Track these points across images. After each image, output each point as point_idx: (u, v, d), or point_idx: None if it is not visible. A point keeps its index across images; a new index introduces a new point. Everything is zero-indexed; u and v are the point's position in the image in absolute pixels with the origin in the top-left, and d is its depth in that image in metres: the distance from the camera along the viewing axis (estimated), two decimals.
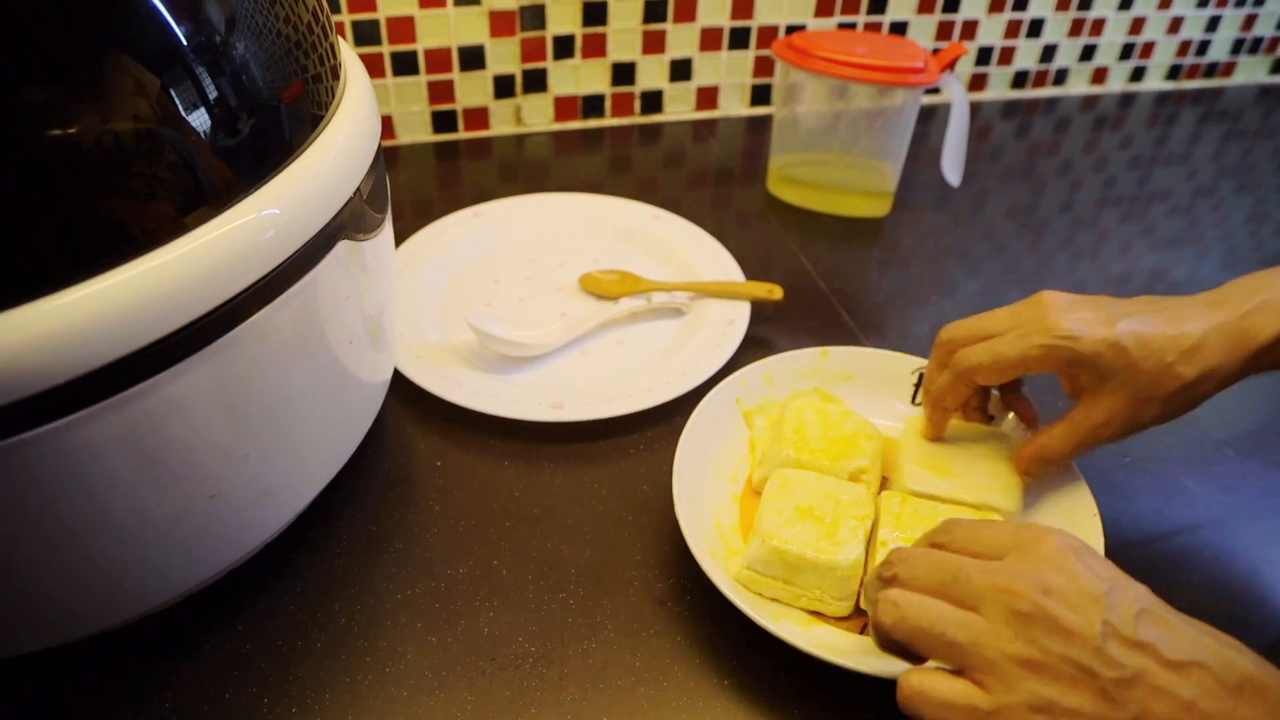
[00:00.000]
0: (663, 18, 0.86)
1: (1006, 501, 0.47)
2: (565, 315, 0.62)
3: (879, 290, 0.69)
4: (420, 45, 0.80)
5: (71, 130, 0.31)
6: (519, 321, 0.59)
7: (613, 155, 0.87)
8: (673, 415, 0.54)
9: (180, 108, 0.34)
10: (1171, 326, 0.42)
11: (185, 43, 0.34)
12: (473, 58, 0.82)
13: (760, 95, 0.95)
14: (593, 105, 0.89)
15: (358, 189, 0.42)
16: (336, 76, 0.44)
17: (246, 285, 0.35)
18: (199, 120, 0.34)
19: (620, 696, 0.41)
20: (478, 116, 0.86)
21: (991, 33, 0.98)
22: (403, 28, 0.79)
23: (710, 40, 0.89)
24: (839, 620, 0.44)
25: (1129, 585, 0.32)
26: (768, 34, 0.90)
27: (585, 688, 0.41)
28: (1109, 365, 0.43)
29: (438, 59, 0.82)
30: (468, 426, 0.54)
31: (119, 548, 0.36)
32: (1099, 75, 1.06)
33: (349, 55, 0.47)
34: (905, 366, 0.55)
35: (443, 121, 0.86)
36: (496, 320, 0.57)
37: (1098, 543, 0.44)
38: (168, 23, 0.34)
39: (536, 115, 0.88)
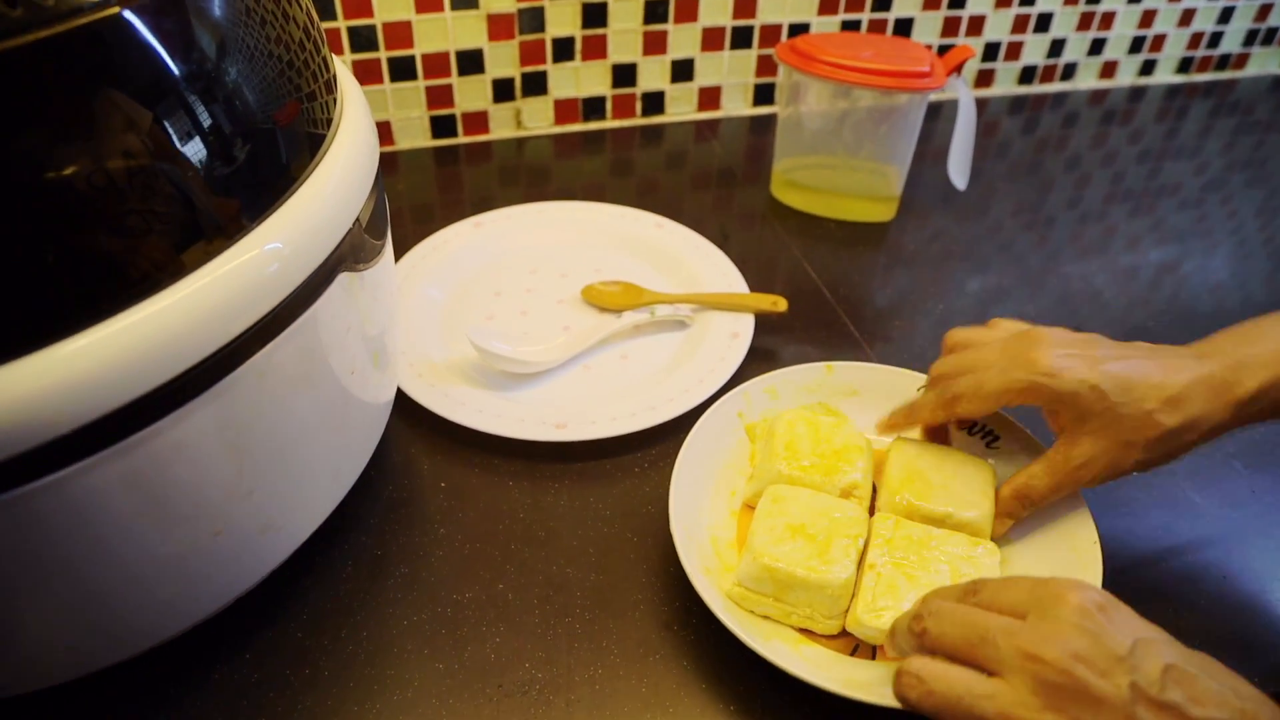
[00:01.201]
0: (664, 18, 0.85)
1: (985, 526, 0.47)
2: (568, 328, 0.61)
3: (885, 297, 0.69)
4: (418, 50, 0.80)
5: (70, 172, 0.30)
6: (521, 335, 0.58)
7: (614, 157, 0.86)
8: (677, 431, 0.53)
9: (175, 142, 0.33)
10: (1157, 374, 0.43)
11: (178, 74, 0.33)
12: (471, 61, 0.82)
13: (763, 94, 0.94)
14: (594, 107, 0.88)
15: (357, 219, 0.42)
16: (332, 91, 0.43)
17: (248, 325, 0.35)
18: (195, 154, 0.34)
19: None
20: (477, 121, 0.86)
21: (999, 28, 0.97)
22: (400, 33, 0.78)
23: (712, 40, 0.88)
24: (829, 639, 0.44)
25: (1152, 640, 0.32)
26: (770, 33, 0.89)
27: (592, 714, 0.41)
28: (1087, 406, 0.43)
29: (436, 63, 0.81)
30: (471, 445, 0.53)
31: (126, 587, 0.36)
32: (1108, 69, 1.05)
33: (342, 70, 0.47)
34: (912, 383, 0.55)
35: (442, 126, 0.85)
36: (499, 335, 0.56)
37: (1095, 570, 0.44)
38: (159, 55, 0.33)
39: (537, 118, 0.87)
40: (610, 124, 0.90)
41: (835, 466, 0.48)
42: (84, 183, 0.31)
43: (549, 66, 0.84)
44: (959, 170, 0.77)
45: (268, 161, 0.38)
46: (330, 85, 0.43)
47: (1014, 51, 1.00)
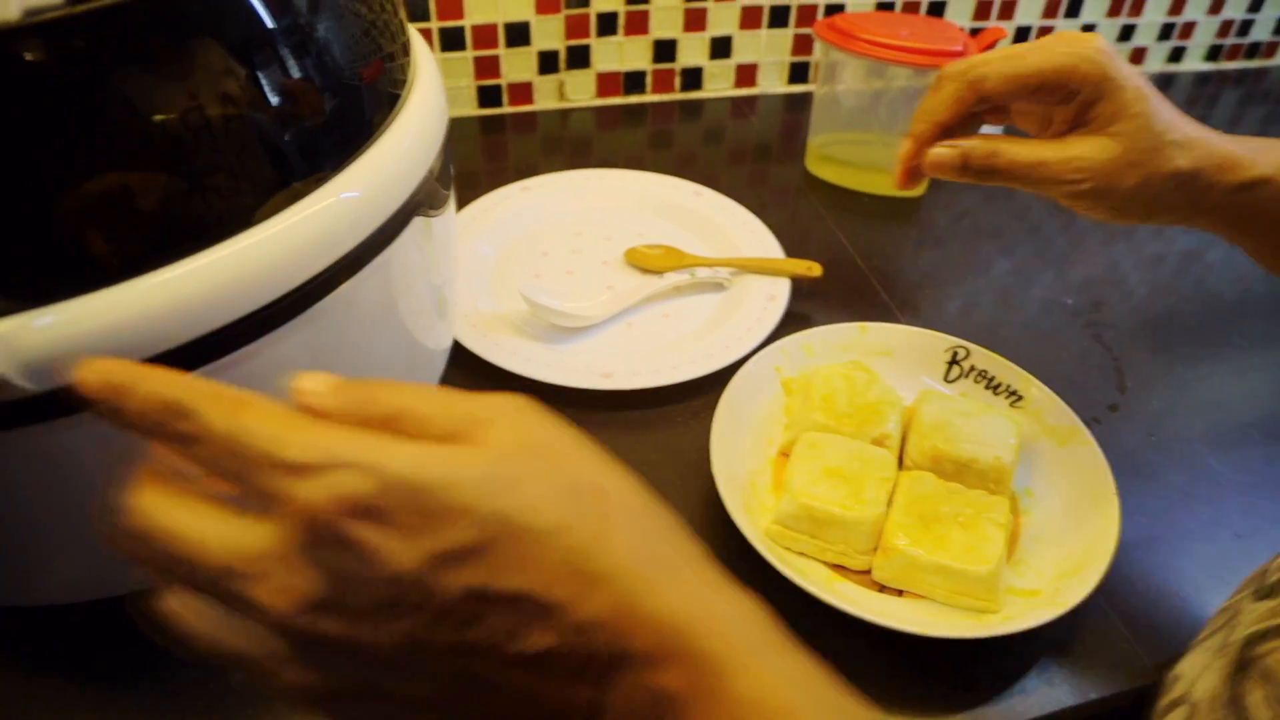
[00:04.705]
0: None
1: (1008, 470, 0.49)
2: (612, 288, 0.64)
3: (915, 269, 0.71)
4: (468, 21, 0.82)
5: (178, 115, 0.33)
6: (568, 293, 0.61)
7: (654, 131, 0.89)
8: (716, 386, 0.56)
9: (280, 91, 0.36)
10: (1177, 114, 0.42)
11: (278, 26, 0.36)
12: (518, 34, 0.84)
13: (799, 73, 0.96)
14: (634, 81, 0.91)
15: (430, 168, 0.45)
16: (407, 53, 0.46)
17: (334, 260, 0.38)
18: (295, 104, 0.37)
19: None
20: (522, 91, 0.88)
21: (1030, 12, 0.99)
22: (451, 4, 0.81)
23: (750, 18, 0.90)
24: (859, 574, 0.47)
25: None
26: (807, 12, 0.91)
27: None
28: (1124, 104, 0.40)
29: (484, 35, 0.84)
30: (516, 391, 0.56)
31: None
32: (1136, 56, 1.06)
33: (415, 34, 0.50)
34: (940, 344, 0.58)
35: (488, 96, 0.88)
36: (547, 292, 0.59)
37: (1113, 526, 0.45)
38: (263, 12, 0.36)
39: (580, 91, 0.90)
40: (650, 98, 0.92)
41: (868, 419, 0.51)
42: (191, 125, 0.34)
43: (593, 40, 0.87)
44: None
45: (354, 114, 0.41)
46: (406, 48, 0.46)
47: (1044, 36, 1.01)
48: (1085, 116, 0.41)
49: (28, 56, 0.30)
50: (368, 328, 0.42)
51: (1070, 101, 0.42)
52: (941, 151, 0.43)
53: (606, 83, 0.90)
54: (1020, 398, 0.55)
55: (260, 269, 0.35)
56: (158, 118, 0.33)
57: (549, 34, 0.85)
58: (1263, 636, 0.32)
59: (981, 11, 0.97)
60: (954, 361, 0.57)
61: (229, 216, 0.35)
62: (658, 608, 0.23)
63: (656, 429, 0.55)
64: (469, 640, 0.22)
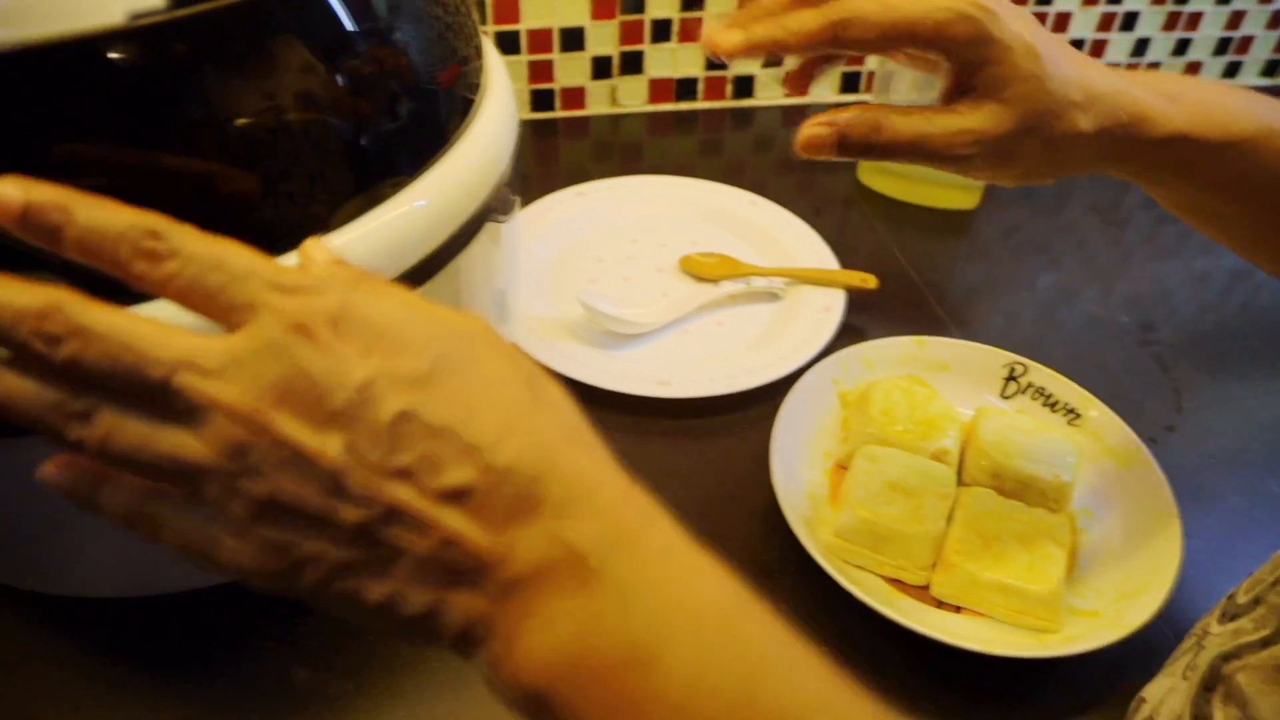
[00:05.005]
0: None
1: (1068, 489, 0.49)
2: (667, 295, 0.65)
3: (968, 283, 0.71)
4: (523, 26, 0.83)
5: (268, 116, 0.34)
6: (623, 299, 0.62)
7: (704, 138, 0.89)
8: (772, 396, 0.56)
9: (362, 95, 0.37)
10: (1085, 69, 0.37)
11: (362, 30, 0.37)
12: (573, 39, 0.85)
13: (850, 83, 0.96)
14: (686, 88, 0.91)
15: (502, 174, 0.45)
16: (480, 57, 0.47)
17: (408, 267, 0.39)
18: (377, 106, 0.38)
19: None
20: (574, 96, 0.89)
21: (1084, 25, 0.98)
22: (508, 8, 0.82)
23: None
24: (917, 589, 0.47)
25: (393, 373, 0.23)
26: None
27: None
28: (1014, 67, 0.35)
29: (539, 39, 0.84)
30: (573, 398, 0.57)
31: None
32: (1191, 70, 1.05)
33: (484, 38, 0.50)
34: (997, 360, 0.57)
35: (541, 100, 0.88)
36: (604, 297, 0.60)
37: (1175, 547, 0.45)
38: (345, 19, 0.37)
39: (632, 96, 0.90)
40: (702, 105, 0.93)
41: (927, 433, 0.51)
42: (275, 128, 0.34)
43: (646, 46, 0.87)
44: None
45: (432, 119, 0.42)
46: (479, 51, 0.47)
47: (1097, 49, 1.01)
48: (973, 80, 0.36)
49: (131, 58, 0.31)
50: None
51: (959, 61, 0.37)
52: (816, 131, 0.38)
53: (659, 89, 0.91)
54: (1078, 416, 0.55)
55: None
56: (245, 120, 0.34)
57: (603, 39, 0.86)
58: (1229, 656, 0.31)
59: None
60: (1011, 378, 0.57)
61: (308, 219, 0.36)
62: (573, 465, 0.25)
63: (713, 438, 0.55)
64: (400, 464, 0.23)
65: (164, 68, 0.32)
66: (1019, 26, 0.35)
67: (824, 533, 0.48)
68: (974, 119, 0.36)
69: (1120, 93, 0.37)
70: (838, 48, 0.37)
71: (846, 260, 0.69)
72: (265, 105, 0.34)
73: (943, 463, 0.50)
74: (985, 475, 0.50)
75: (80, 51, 0.30)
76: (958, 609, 0.46)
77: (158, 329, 0.23)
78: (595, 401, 0.56)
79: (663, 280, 0.66)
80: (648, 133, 0.89)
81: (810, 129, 0.38)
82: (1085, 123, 0.36)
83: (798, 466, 0.51)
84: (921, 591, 0.47)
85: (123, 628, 0.44)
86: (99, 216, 0.23)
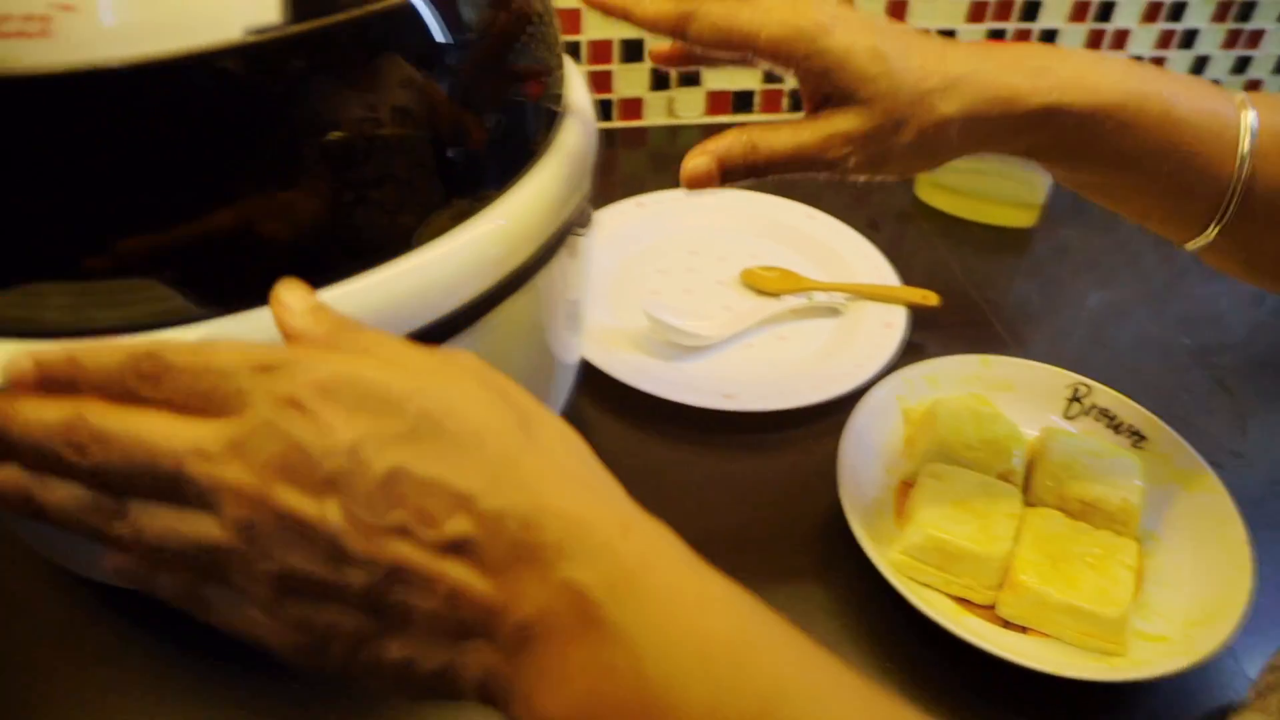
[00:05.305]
0: None
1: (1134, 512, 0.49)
2: (729, 309, 0.65)
3: (1026, 300, 0.71)
4: (584, 37, 0.84)
5: (370, 129, 0.35)
6: (686, 311, 0.62)
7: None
8: (835, 412, 0.57)
9: (460, 110, 0.38)
10: (941, 52, 0.37)
11: (460, 42, 0.38)
12: (633, 50, 0.86)
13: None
14: (743, 101, 0.92)
15: (585, 188, 0.46)
16: (562, 67, 0.48)
17: (498, 280, 0.39)
18: (470, 120, 0.38)
19: None
20: (632, 107, 0.90)
21: (1143, 43, 0.97)
22: (571, 20, 0.83)
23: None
24: (983, 608, 0.47)
25: (381, 433, 0.24)
26: None
27: None
28: (860, 70, 0.36)
29: (600, 50, 0.85)
30: (636, 410, 0.57)
31: None
32: (1251, 88, 1.04)
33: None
34: (1061, 381, 0.57)
35: (599, 110, 0.89)
36: (668, 309, 0.60)
37: (1246, 572, 0.45)
38: (443, 37, 0.37)
39: (689, 108, 0.91)
40: (758, 118, 0.93)
41: (994, 453, 0.51)
42: (376, 140, 0.35)
43: None
44: None
45: (520, 131, 0.42)
46: (561, 61, 0.48)
47: (1155, 65, 1.00)
48: (826, 88, 0.37)
49: (249, 72, 0.32)
50: (513, 345, 0.44)
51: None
52: (696, 163, 0.39)
53: (716, 101, 0.91)
54: (1144, 439, 0.54)
55: (426, 289, 0.37)
56: (348, 130, 0.34)
57: None
58: None
59: (1093, 40, 0.96)
60: (1075, 399, 0.57)
61: (405, 231, 0.37)
62: (567, 505, 0.24)
63: (777, 452, 0.56)
64: (395, 521, 0.23)
65: (279, 81, 0.33)
66: (855, 32, 0.36)
67: (890, 550, 0.48)
68: (839, 122, 0.37)
69: (981, 73, 0.37)
70: (684, 40, 0.39)
71: (904, 275, 0.69)
72: (367, 116, 0.35)
73: (1009, 482, 0.51)
74: (1052, 496, 0.50)
75: (202, 66, 0.31)
76: (1023, 629, 0.46)
77: (166, 423, 0.25)
78: (658, 413, 0.57)
79: (724, 293, 0.67)
80: None
81: (690, 162, 0.39)
82: (947, 107, 0.36)
83: (864, 483, 0.51)
84: (987, 611, 0.47)
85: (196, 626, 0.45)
86: (101, 359, 0.26)
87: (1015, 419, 0.55)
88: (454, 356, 0.27)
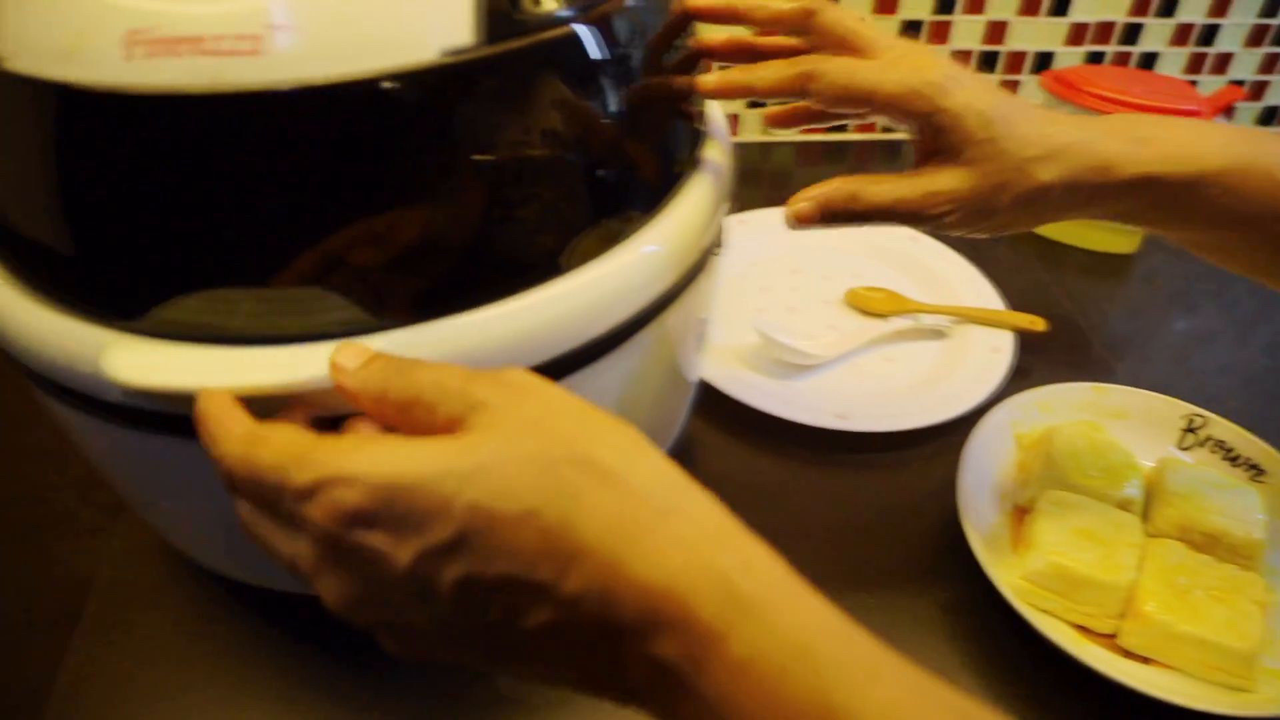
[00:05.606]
0: (915, 39, 0.88)
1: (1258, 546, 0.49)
2: (834, 329, 0.66)
3: (1131, 326, 0.71)
4: None
5: (512, 158, 0.36)
6: (792, 330, 0.63)
7: (854, 170, 0.90)
8: (945, 434, 0.57)
9: (623, 131, 0.39)
10: (1043, 123, 0.39)
11: (619, 62, 0.38)
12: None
13: None
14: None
15: (726, 207, 0.47)
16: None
17: (646, 303, 0.40)
18: (624, 142, 0.39)
19: None
20: (729, 123, 0.91)
21: (1245, 67, 0.96)
22: None
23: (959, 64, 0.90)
24: (1103, 637, 0.47)
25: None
26: (1014, 60, 0.91)
27: None
28: (968, 133, 0.38)
29: None
30: (745, 427, 0.58)
31: None
32: None
33: None
34: (1175, 411, 0.57)
35: None
36: (777, 328, 0.61)
37: None
38: (606, 64, 0.39)
39: None
40: (852, 136, 0.94)
41: (1112, 482, 0.51)
42: (541, 164, 0.37)
43: None
44: None
45: (669, 152, 0.43)
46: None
47: (1258, 91, 0.99)
48: (935, 145, 0.39)
49: (442, 91, 0.33)
50: (650, 367, 0.44)
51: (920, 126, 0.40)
52: (800, 207, 0.42)
53: None
54: (1263, 472, 0.54)
55: (575, 314, 0.37)
56: (522, 149, 0.35)
57: None
58: None
59: (1194, 64, 0.95)
60: (1190, 429, 0.57)
61: (552, 251, 0.38)
62: (637, 575, 0.24)
63: (891, 473, 0.57)
64: (487, 620, 0.25)
65: (469, 100, 0.34)
66: (969, 95, 0.38)
67: (1010, 575, 0.48)
68: (942, 181, 0.39)
69: (1083, 143, 0.38)
70: (805, 99, 0.41)
71: (1006, 299, 0.69)
72: (548, 132, 0.36)
73: (1128, 511, 0.51)
74: (1173, 527, 0.50)
75: (401, 85, 0.32)
76: (1145, 660, 0.46)
77: (282, 541, 0.28)
78: (767, 431, 0.58)
79: (829, 313, 0.68)
80: (797, 162, 0.90)
81: (794, 205, 0.42)
82: (1046, 175, 0.38)
83: (980, 508, 0.52)
84: (1108, 640, 0.47)
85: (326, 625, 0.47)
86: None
87: (1129, 448, 0.55)
88: (500, 388, 0.27)
